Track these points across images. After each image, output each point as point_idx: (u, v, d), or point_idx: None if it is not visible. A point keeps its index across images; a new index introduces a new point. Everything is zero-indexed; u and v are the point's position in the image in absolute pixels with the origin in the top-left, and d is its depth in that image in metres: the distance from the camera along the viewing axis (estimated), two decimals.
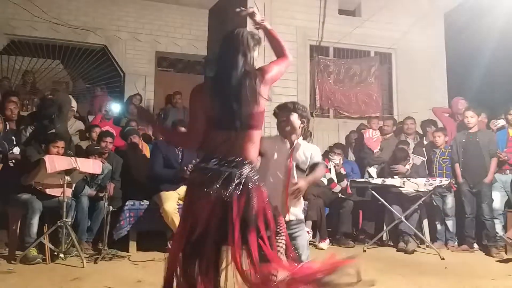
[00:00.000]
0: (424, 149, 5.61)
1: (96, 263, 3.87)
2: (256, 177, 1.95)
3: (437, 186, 4.72)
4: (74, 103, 5.57)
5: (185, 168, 4.29)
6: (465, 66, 7.78)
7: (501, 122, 5.35)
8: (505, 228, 4.89)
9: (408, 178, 4.87)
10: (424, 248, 4.89)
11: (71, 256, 3.96)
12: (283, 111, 2.71)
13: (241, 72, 1.97)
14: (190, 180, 2.03)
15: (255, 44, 2.05)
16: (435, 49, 7.43)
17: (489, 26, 7.12)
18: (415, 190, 4.77)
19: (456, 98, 6.23)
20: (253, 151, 1.99)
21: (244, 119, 1.94)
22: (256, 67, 2.06)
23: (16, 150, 4.60)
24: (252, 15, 2.15)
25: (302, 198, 2.80)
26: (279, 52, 2.18)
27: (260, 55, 2.12)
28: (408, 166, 5.16)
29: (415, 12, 7.27)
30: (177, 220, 4.26)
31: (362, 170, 5.81)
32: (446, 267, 4.05)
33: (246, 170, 1.91)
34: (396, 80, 7.37)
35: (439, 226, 5.16)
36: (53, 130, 4.54)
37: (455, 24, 7.41)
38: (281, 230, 2.13)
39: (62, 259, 3.90)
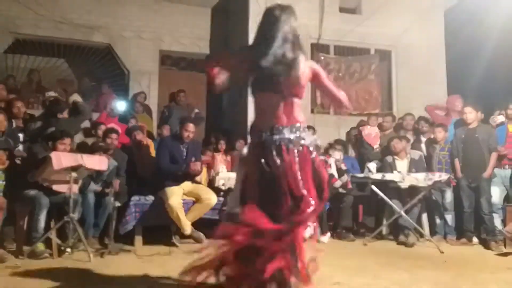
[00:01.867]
0: (422, 144, 5.67)
1: (103, 257, 3.93)
2: (304, 134, 2.23)
3: (436, 181, 4.77)
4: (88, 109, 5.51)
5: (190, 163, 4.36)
6: (464, 63, 7.80)
7: (501, 118, 5.38)
8: (504, 222, 4.92)
9: (408, 173, 4.94)
10: (424, 242, 4.94)
11: (78, 251, 4.02)
12: None
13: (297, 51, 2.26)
14: (250, 152, 2.34)
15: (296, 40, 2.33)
16: (435, 46, 7.45)
17: (489, 23, 7.15)
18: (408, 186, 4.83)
19: (454, 96, 6.26)
20: (299, 115, 2.27)
21: (288, 88, 2.21)
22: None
23: (21, 147, 4.66)
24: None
25: None
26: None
27: None
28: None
29: (415, 9, 7.30)
30: (181, 214, 4.35)
31: (362, 166, 5.87)
32: (445, 261, 4.08)
33: (298, 133, 2.21)
34: (396, 77, 7.41)
35: (438, 220, 5.21)
36: (53, 128, 4.57)
37: (455, 22, 7.42)
38: None
39: (69, 254, 3.94)
